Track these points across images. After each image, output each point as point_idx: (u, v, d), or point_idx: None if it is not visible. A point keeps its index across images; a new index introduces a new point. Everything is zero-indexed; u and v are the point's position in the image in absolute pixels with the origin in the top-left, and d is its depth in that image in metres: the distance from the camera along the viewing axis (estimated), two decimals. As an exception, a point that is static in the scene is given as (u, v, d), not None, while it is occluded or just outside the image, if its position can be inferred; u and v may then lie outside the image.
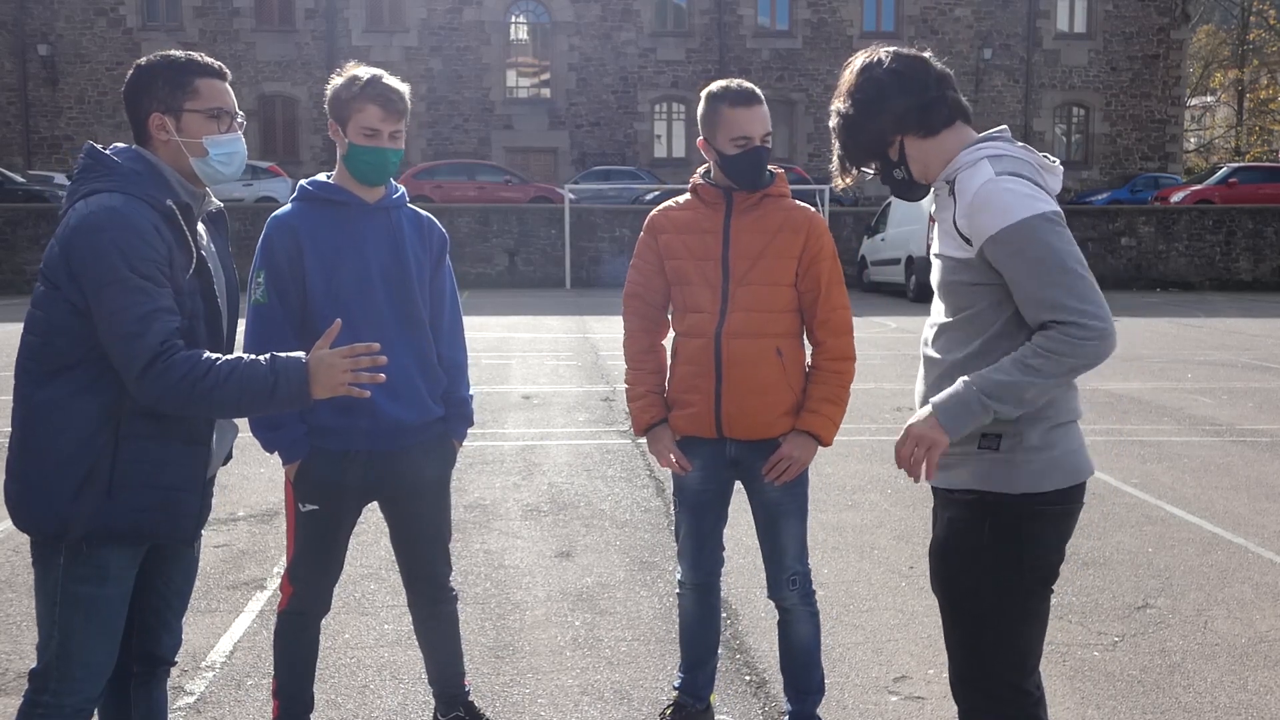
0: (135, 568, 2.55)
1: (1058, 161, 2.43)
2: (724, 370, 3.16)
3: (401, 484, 3.13)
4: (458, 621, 3.39)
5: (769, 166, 3.22)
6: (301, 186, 3.08)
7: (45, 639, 2.51)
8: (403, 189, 3.15)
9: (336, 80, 2.99)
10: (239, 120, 2.60)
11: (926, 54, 2.46)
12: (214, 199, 2.67)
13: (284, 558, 5.17)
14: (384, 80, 2.95)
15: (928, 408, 2.29)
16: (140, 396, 2.35)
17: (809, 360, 3.30)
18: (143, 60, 2.58)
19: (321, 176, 3.10)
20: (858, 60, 2.47)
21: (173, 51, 2.60)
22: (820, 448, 3.22)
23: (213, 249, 2.63)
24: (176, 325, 2.38)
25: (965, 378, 2.25)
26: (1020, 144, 2.38)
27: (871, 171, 2.49)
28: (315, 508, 3.06)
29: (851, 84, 2.43)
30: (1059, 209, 2.28)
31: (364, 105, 2.93)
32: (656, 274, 3.31)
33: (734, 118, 3.11)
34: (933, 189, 2.45)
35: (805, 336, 3.30)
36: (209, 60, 2.58)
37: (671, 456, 3.29)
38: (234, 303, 2.71)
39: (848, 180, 2.53)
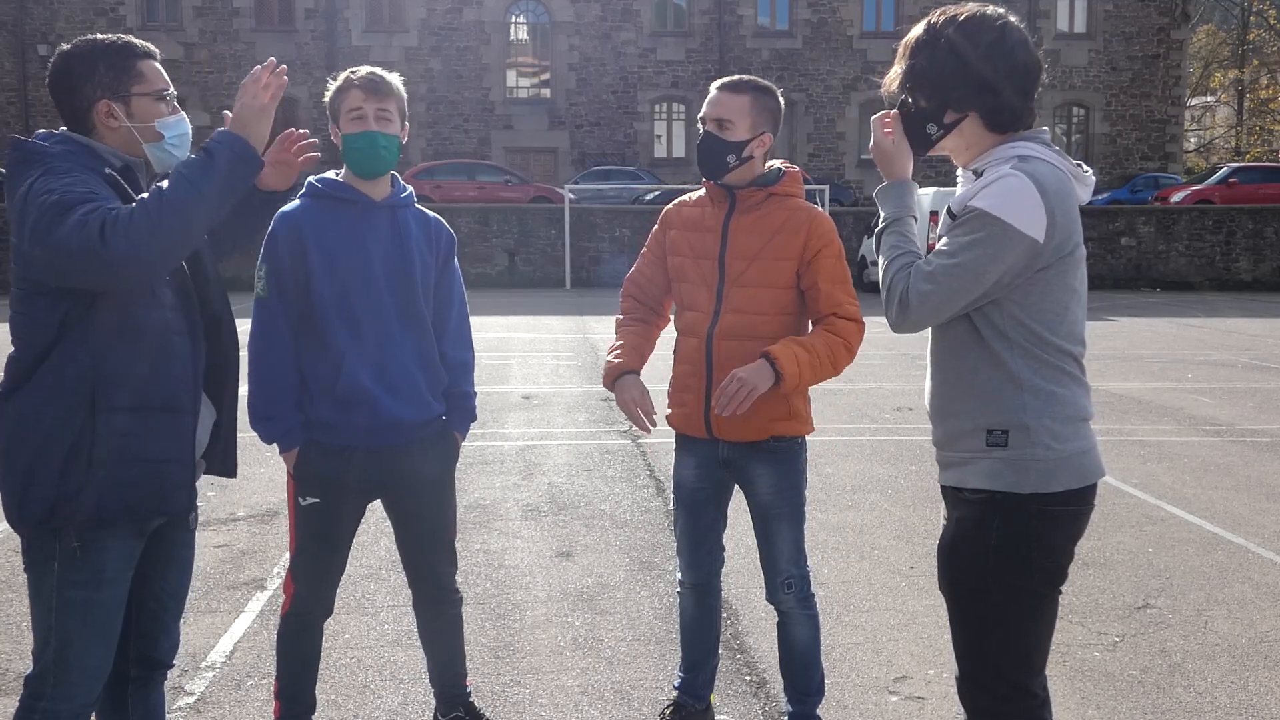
0: (131, 569, 2.53)
1: (1090, 171, 2.40)
2: (714, 371, 3.15)
3: (403, 481, 3.13)
4: (462, 622, 3.38)
5: (780, 164, 3.23)
6: (310, 184, 3.09)
7: (41, 644, 2.48)
8: (410, 189, 3.16)
9: (330, 89, 3.06)
10: (177, 97, 2.58)
11: (1045, 64, 2.42)
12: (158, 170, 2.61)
13: (285, 556, 5.19)
14: (365, 69, 3.03)
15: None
16: (115, 261, 2.21)
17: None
18: (68, 46, 2.52)
19: (330, 174, 3.12)
20: (1010, 24, 2.33)
21: (98, 35, 2.54)
22: (779, 383, 2.98)
23: None
24: (115, 207, 2.29)
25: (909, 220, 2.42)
26: (1056, 149, 2.36)
27: (910, 101, 2.38)
28: (316, 500, 3.06)
29: (986, 39, 2.30)
30: (1029, 234, 2.21)
31: (347, 91, 2.99)
32: (659, 268, 3.32)
33: (709, 99, 3.16)
34: (959, 176, 2.44)
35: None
36: (142, 42, 2.54)
37: (638, 410, 3.17)
38: (207, 264, 2.65)
39: (892, 90, 2.43)
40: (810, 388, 3.20)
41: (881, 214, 2.47)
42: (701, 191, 3.30)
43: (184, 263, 2.54)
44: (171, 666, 2.81)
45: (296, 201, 3.06)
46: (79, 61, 2.48)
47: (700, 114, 3.20)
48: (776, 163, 3.26)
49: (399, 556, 3.35)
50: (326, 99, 3.05)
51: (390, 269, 3.03)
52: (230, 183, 2.36)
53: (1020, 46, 2.33)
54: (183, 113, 2.58)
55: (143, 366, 2.43)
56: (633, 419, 3.21)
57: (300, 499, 3.08)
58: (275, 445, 3.06)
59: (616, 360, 3.28)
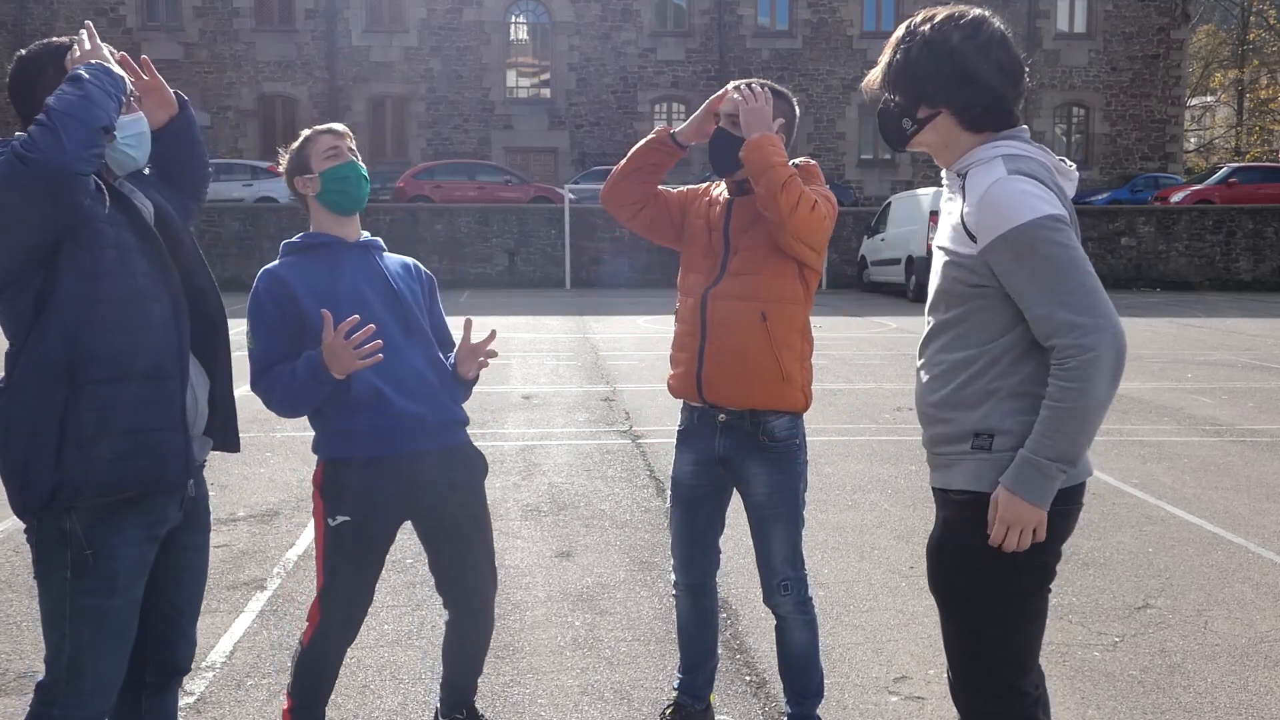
0: (144, 576, 2.52)
1: (1074, 166, 2.41)
2: (708, 330, 3.18)
3: (431, 492, 3.07)
4: (489, 644, 3.32)
5: (800, 160, 3.30)
6: (285, 244, 3.15)
7: (54, 652, 2.47)
8: (379, 239, 3.21)
9: (283, 161, 3.16)
10: (135, 97, 2.57)
11: (1029, 62, 2.42)
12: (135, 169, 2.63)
13: (284, 556, 5.20)
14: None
15: (1003, 490, 2.25)
16: (38, 173, 2.26)
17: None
18: (24, 51, 2.55)
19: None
20: (987, 23, 2.34)
21: (54, 39, 2.56)
22: (752, 144, 3.07)
23: (153, 196, 2.60)
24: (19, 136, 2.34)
25: (1025, 451, 2.22)
26: (1038, 145, 2.37)
27: (891, 98, 2.41)
28: (346, 518, 3.00)
29: (958, 36, 2.32)
30: (1064, 212, 2.25)
31: (316, 138, 3.12)
32: (679, 203, 3.39)
33: (726, 99, 3.23)
34: (944, 179, 2.45)
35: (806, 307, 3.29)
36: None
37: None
38: (184, 237, 2.65)
39: (874, 86, 2.46)
40: (797, 367, 3.21)
41: (1075, 464, 2.27)
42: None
43: (159, 234, 2.54)
44: (188, 672, 2.79)
45: (277, 261, 3.10)
46: (31, 65, 2.51)
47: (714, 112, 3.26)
48: (797, 160, 3.31)
49: (398, 559, 3.33)
50: (283, 166, 3.14)
51: (382, 294, 3.06)
52: (105, 88, 2.39)
53: (995, 45, 2.33)
54: (139, 112, 2.56)
55: (119, 336, 2.41)
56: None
57: (329, 519, 3.02)
58: (325, 378, 2.89)
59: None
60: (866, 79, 2.48)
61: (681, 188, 3.50)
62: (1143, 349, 13.93)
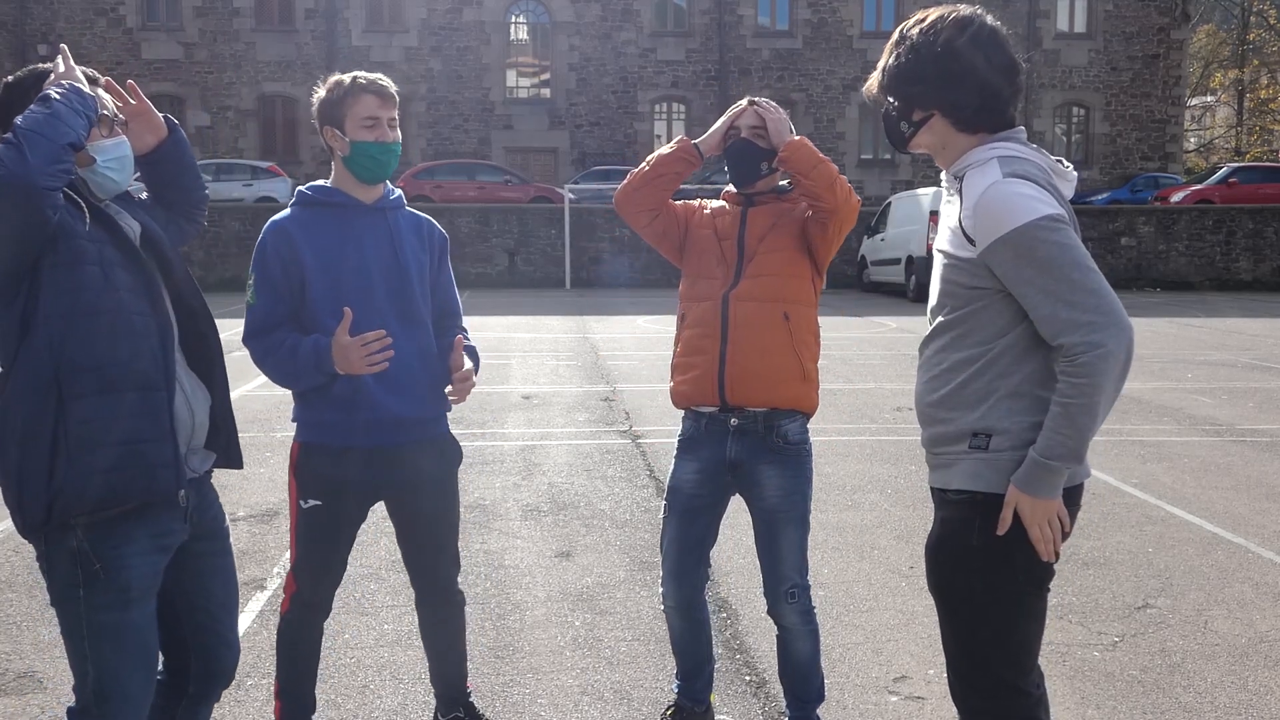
0: (156, 586, 2.52)
1: (1071, 167, 2.41)
2: (729, 331, 3.17)
3: (405, 482, 3.12)
4: (464, 624, 3.38)
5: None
6: (300, 192, 3.11)
7: (80, 678, 2.47)
8: (399, 191, 3.17)
9: (319, 91, 3.04)
10: (120, 121, 2.57)
11: (1024, 61, 2.42)
12: (126, 190, 2.63)
13: (285, 556, 5.19)
14: (369, 74, 3.02)
15: (1019, 494, 2.25)
16: (5, 188, 2.28)
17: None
18: (10, 78, 2.57)
19: (320, 182, 3.13)
20: (976, 21, 2.34)
21: (41, 65, 2.57)
22: (789, 142, 3.15)
23: (141, 218, 2.60)
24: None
25: (1036, 453, 2.22)
26: (1034, 146, 2.37)
27: (892, 101, 2.42)
28: (318, 503, 3.07)
29: (945, 36, 2.32)
30: (1063, 212, 2.25)
31: (359, 96, 2.98)
32: (682, 215, 3.39)
33: (745, 113, 3.26)
34: (943, 181, 2.45)
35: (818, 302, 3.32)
36: (85, 69, 2.55)
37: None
38: (173, 258, 2.65)
39: (873, 92, 2.48)
40: (814, 367, 3.24)
41: (1080, 461, 2.29)
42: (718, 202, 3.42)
43: (148, 254, 2.54)
44: (230, 682, 2.79)
45: (287, 210, 3.07)
46: (15, 91, 2.52)
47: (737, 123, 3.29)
48: None
49: (400, 557, 3.35)
50: (319, 98, 3.02)
51: (386, 270, 3.04)
52: (73, 106, 2.40)
53: (984, 43, 2.33)
54: (122, 136, 2.56)
55: (103, 349, 2.42)
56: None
57: (302, 501, 3.09)
58: (328, 370, 2.92)
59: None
60: (867, 84, 2.50)
61: (675, 203, 3.49)
62: (1143, 349, 13.92)
